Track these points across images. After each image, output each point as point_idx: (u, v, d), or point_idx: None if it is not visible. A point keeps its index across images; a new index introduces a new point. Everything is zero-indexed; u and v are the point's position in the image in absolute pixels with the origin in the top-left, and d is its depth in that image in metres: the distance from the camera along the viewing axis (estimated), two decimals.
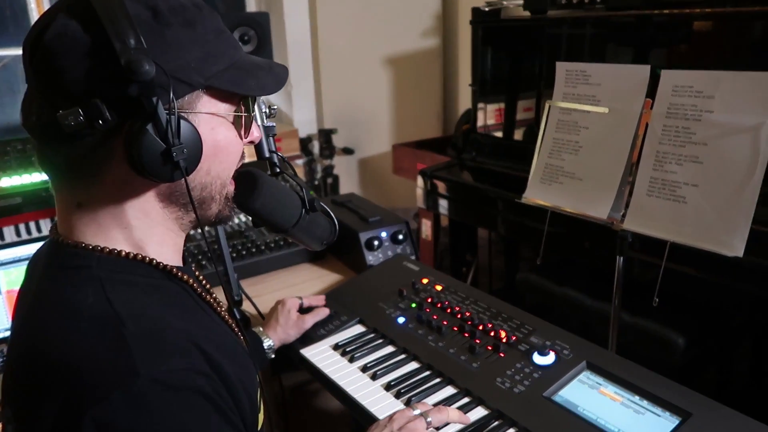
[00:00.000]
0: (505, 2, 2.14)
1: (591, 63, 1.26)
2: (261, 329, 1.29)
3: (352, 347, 1.26)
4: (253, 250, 1.73)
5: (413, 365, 1.20)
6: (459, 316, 1.28)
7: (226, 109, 0.74)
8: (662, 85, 1.14)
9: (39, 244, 0.81)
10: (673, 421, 0.96)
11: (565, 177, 1.29)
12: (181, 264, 0.80)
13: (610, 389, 1.05)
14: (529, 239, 2.00)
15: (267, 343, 1.26)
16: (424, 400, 1.07)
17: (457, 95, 3.48)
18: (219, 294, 0.90)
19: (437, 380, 1.14)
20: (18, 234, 2.16)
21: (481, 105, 2.25)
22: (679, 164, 1.10)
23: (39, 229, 2.18)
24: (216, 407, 0.66)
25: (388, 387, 1.13)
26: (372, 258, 1.64)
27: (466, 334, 1.22)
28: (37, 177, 2.21)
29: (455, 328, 1.25)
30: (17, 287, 0.81)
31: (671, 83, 1.12)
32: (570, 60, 1.32)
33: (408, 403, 1.08)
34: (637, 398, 1.02)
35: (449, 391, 1.11)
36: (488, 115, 2.25)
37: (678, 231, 1.08)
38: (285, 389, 1.55)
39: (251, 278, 1.70)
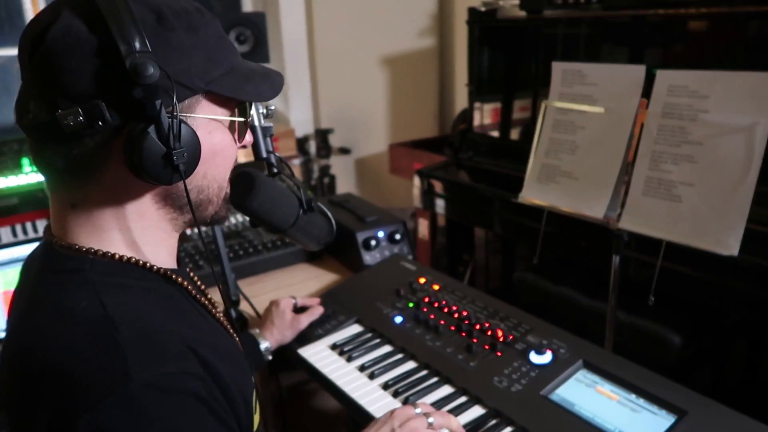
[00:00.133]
0: (501, 2, 2.15)
1: (587, 63, 1.27)
2: (257, 331, 1.29)
3: (350, 347, 1.26)
4: (251, 250, 1.73)
5: (411, 364, 1.20)
6: (456, 315, 1.29)
7: (223, 113, 0.74)
8: (658, 85, 1.14)
9: (35, 245, 0.80)
10: (669, 419, 0.97)
11: (562, 176, 1.29)
12: (175, 266, 0.80)
13: (606, 388, 1.05)
14: (525, 239, 2.00)
15: (264, 345, 1.26)
16: (422, 400, 1.07)
17: (453, 95, 3.49)
18: (215, 295, 0.90)
19: (434, 379, 1.14)
20: (14, 235, 2.15)
21: (477, 105, 2.26)
22: (674, 164, 1.10)
23: (35, 230, 2.18)
24: (210, 410, 0.65)
25: (385, 386, 1.14)
26: (369, 258, 1.65)
27: (463, 334, 1.23)
28: (33, 178, 2.21)
29: (452, 328, 1.25)
30: (13, 288, 0.80)
31: (667, 83, 1.13)
32: (566, 60, 1.33)
33: (405, 403, 1.08)
34: (633, 396, 1.02)
35: (446, 390, 1.12)
36: (485, 115, 2.26)
37: (673, 230, 1.09)
38: (283, 389, 1.55)
39: (248, 278, 1.70)
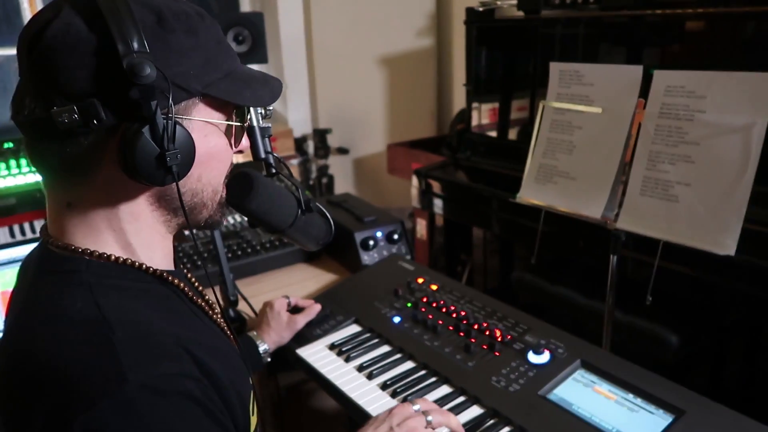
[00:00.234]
0: (498, 2, 2.15)
1: (584, 63, 1.27)
2: (255, 333, 1.29)
3: (348, 347, 1.26)
4: (249, 250, 1.73)
5: (409, 365, 1.20)
6: (454, 315, 1.29)
7: (219, 117, 0.74)
8: (655, 85, 1.14)
9: (33, 246, 0.80)
10: (667, 419, 0.97)
11: (559, 177, 1.29)
12: (172, 267, 0.80)
13: (604, 387, 1.05)
14: (523, 238, 2.01)
15: (262, 347, 1.25)
16: None
17: (451, 95, 3.49)
18: (213, 295, 0.90)
19: (433, 379, 1.14)
20: (12, 235, 2.15)
21: (475, 104, 2.26)
22: (671, 164, 1.11)
23: (33, 230, 2.17)
24: (206, 411, 0.65)
25: (383, 386, 1.14)
26: (367, 258, 1.65)
27: (462, 334, 1.23)
28: (31, 178, 2.21)
29: (450, 328, 1.25)
30: (11, 288, 0.80)
31: (664, 83, 1.13)
32: (563, 60, 1.33)
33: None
34: (631, 396, 1.03)
35: (444, 390, 1.12)
36: (482, 115, 2.26)
37: (671, 230, 1.09)
38: (281, 389, 1.55)
39: (247, 278, 1.70)
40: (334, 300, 1.43)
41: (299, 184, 1.08)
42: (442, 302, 1.33)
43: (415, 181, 2.30)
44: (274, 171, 1.05)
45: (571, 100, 1.28)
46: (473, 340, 1.20)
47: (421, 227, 2.41)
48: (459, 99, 3.23)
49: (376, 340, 1.28)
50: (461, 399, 1.09)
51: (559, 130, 1.30)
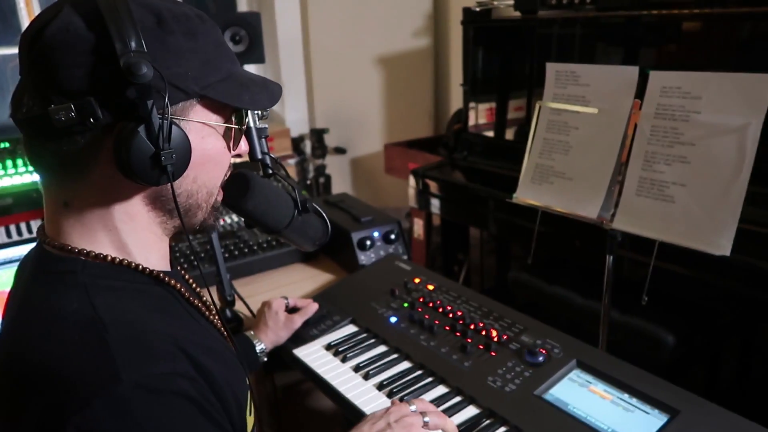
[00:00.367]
0: (495, 2, 2.15)
1: (580, 64, 1.28)
2: (252, 333, 1.29)
3: (345, 347, 1.26)
4: (246, 250, 1.73)
5: (405, 365, 1.20)
6: (451, 315, 1.29)
7: (217, 120, 0.74)
8: (651, 85, 1.15)
9: (30, 246, 0.80)
10: (662, 419, 0.97)
11: (556, 177, 1.30)
12: (168, 268, 0.80)
13: (599, 387, 1.06)
14: (520, 238, 2.01)
15: (259, 347, 1.25)
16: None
17: (448, 95, 3.49)
18: (209, 296, 0.90)
19: (429, 379, 1.15)
20: (9, 235, 2.14)
21: (472, 104, 2.27)
22: (667, 164, 1.11)
23: (30, 231, 2.17)
24: (201, 410, 0.65)
25: (380, 386, 1.14)
26: (364, 258, 1.65)
27: (458, 334, 1.23)
28: (27, 178, 2.20)
29: (447, 328, 1.26)
30: (8, 289, 0.80)
31: (660, 84, 1.13)
32: (560, 60, 1.34)
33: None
34: (626, 396, 1.03)
35: (441, 390, 1.12)
36: (479, 115, 2.27)
37: (666, 230, 1.10)
38: (277, 388, 1.55)
39: (244, 278, 1.70)
40: (331, 300, 1.43)
41: (296, 184, 1.08)
42: (438, 302, 1.34)
43: (412, 181, 2.31)
44: (270, 171, 1.05)
45: (567, 101, 1.29)
46: (469, 340, 1.20)
47: (418, 227, 2.42)
48: (456, 99, 3.22)
49: (372, 341, 1.28)
50: (457, 399, 1.09)
51: (555, 130, 1.31)
